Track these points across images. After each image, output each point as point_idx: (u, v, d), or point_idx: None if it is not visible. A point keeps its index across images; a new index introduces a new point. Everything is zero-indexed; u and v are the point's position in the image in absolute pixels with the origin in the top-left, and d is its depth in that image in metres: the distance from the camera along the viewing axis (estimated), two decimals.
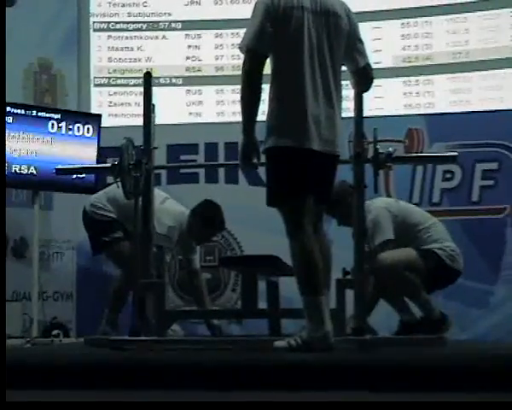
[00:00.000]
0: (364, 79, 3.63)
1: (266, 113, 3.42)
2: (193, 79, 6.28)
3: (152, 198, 4.28)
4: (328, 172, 3.50)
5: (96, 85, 6.34)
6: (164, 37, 6.35)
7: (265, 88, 3.40)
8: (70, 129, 5.69)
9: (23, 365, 2.59)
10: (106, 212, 5.01)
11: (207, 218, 4.96)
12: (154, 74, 4.71)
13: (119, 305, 4.92)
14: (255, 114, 3.37)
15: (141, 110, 4.43)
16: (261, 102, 3.39)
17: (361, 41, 3.57)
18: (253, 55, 3.36)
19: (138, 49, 6.36)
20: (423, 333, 4.29)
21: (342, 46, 3.48)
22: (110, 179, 5.33)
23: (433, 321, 4.41)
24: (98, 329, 4.89)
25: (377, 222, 4.52)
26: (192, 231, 4.97)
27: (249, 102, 3.37)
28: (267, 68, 3.43)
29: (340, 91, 3.49)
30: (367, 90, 3.76)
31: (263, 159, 3.46)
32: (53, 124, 5.62)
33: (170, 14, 6.35)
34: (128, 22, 6.37)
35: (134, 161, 4.19)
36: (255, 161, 3.43)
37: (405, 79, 6.05)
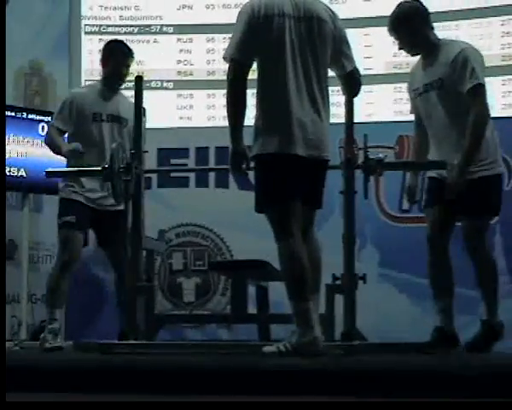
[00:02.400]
0: (352, 83, 3.65)
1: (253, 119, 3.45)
2: (184, 83, 6.27)
3: (142, 202, 4.28)
4: (317, 177, 3.51)
5: None
6: (155, 40, 6.34)
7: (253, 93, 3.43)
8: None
9: (11, 368, 2.58)
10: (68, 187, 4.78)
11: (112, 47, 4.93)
12: (145, 78, 4.71)
13: (62, 299, 4.67)
14: (241, 121, 3.40)
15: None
16: (248, 108, 3.41)
17: (348, 46, 3.59)
18: (237, 64, 3.40)
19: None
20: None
21: (328, 51, 3.50)
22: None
23: (492, 326, 4.15)
24: (81, 333, 4.86)
25: (474, 58, 4.02)
26: (113, 70, 4.86)
27: (235, 111, 3.41)
28: (253, 74, 3.46)
29: (326, 96, 3.51)
30: (355, 95, 3.78)
31: (251, 164, 3.48)
32: (43, 126, 5.60)
33: (161, 18, 6.34)
34: (120, 25, 6.35)
35: (124, 164, 4.19)
36: (245, 167, 3.45)
37: (396, 85, 6.05)
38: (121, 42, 5.07)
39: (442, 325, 4.11)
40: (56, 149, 4.78)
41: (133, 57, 4.97)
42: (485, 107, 4.00)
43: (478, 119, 3.94)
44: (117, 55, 4.87)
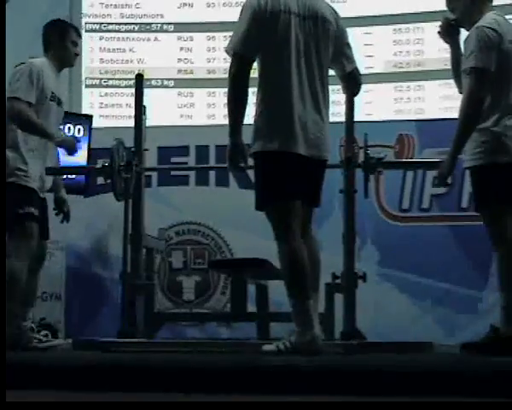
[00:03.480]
0: (352, 83, 3.65)
1: (253, 116, 3.44)
2: (184, 82, 6.27)
3: (142, 200, 4.28)
4: (316, 177, 3.51)
5: (88, 86, 6.33)
6: (156, 38, 6.34)
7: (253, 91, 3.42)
8: (61, 129, 5.66)
9: (10, 365, 2.58)
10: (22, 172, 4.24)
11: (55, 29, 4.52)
12: (145, 76, 4.72)
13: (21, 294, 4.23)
14: (242, 117, 3.39)
15: (132, 112, 4.44)
16: (248, 106, 3.41)
17: (349, 46, 3.59)
18: (240, 58, 3.38)
19: (130, 50, 6.35)
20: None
21: (330, 50, 3.50)
22: (101, 180, 5.33)
23: (505, 337, 3.57)
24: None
25: (477, 38, 3.61)
26: (69, 50, 4.48)
27: (236, 106, 3.39)
28: (255, 72, 3.45)
29: (327, 95, 3.50)
30: (355, 94, 3.78)
31: (251, 162, 3.47)
32: None
33: (162, 16, 6.34)
34: (120, 23, 6.36)
35: (125, 162, 4.19)
36: (242, 163, 3.45)
37: (396, 84, 6.06)
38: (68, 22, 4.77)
39: (497, 326, 3.64)
40: (43, 134, 4.28)
41: (81, 37, 4.67)
42: (470, 93, 3.61)
43: (462, 105, 3.65)
44: (72, 36, 4.50)
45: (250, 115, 3.46)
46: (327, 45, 3.48)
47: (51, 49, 4.47)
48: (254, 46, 3.40)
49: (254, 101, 3.45)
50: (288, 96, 3.38)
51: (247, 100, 3.39)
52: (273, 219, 3.40)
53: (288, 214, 3.35)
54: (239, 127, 3.39)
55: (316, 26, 3.45)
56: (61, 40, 4.46)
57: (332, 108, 3.61)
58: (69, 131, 5.70)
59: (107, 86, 6.34)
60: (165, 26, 6.34)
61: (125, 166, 4.18)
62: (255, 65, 3.47)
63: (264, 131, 3.39)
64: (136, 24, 6.36)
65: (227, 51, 3.44)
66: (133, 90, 4.42)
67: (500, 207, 3.69)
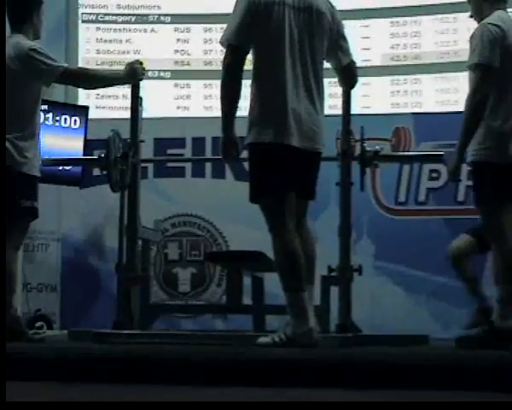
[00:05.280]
0: (348, 76, 3.65)
1: (248, 108, 3.43)
2: (181, 73, 6.27)
3: (138, 192, 4.27)
4: (310, 169, 3.50)
5: None
6: (153, 30, 6.33)
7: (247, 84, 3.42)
8: (57, 120, 5.65)
9: (7, 357, 2.58)
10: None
11: None
12: None
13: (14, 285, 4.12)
14: (235, 109, 3.39)
15: (128, 103, 4.42)
16: (242, 98, 3.40)
17: (345, 39, 3.59)
18: (234, 49, 3.38)
19: (127, 41, 6.33)
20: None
21: (324, 43, 3.50)
22: (96, 172, 5.32)
23: (498, 331, 3.56)
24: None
25: (480, 36, 3.63)
26: (41, 25, 4.17)
27: (229, 97, 3.40)
28: (249, 65, 3.45)
29: (322, 88, 3.50)
30: (352, 87, 3.78)
31: (245, 154, 3.47)
32: (39, 115, 5.58)
33: (159, 8, 6.33)
34: (117, 14, 6.34)
35: (121, 153, 4.19)
36: (235, 155, 3.44)
37: (393, 77, 6.06)
38: None
39: (492, 320, 3.65)
40: (112, 80, 4.33)
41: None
42: (475, 89, 3.63)
43: (467, 101, 3.67)
44: (41, 6, 4.16)
45: (244, 108, 3.45)
46: (321, 38, 3.47)
47: (31, 24, 4.13)
48: (248, 37, 3.39)
49: (246, 93, 3.44)
50: (282, 87, 3.37)
51: (240, 92, 3.39)
52: (267, 211, 3.39)
53: (281, 206, 3.35)
54: (232, 120, 3.39)
55: (310, 19, 3.44)
56: (39, 14, 4.16)
57: (329, 101, 3.60)
58: (65, 123, 5.70)
59: None
60: (162, 18, 6.33)
61: (121, 157, 4.17)
62: (250, 58, 3.46)
63: (258, 122, 3.39)
64: (133, 15, 6.34)
65: (221, 43, 3.45)
66: None
67: (498, 205, 3.70)
